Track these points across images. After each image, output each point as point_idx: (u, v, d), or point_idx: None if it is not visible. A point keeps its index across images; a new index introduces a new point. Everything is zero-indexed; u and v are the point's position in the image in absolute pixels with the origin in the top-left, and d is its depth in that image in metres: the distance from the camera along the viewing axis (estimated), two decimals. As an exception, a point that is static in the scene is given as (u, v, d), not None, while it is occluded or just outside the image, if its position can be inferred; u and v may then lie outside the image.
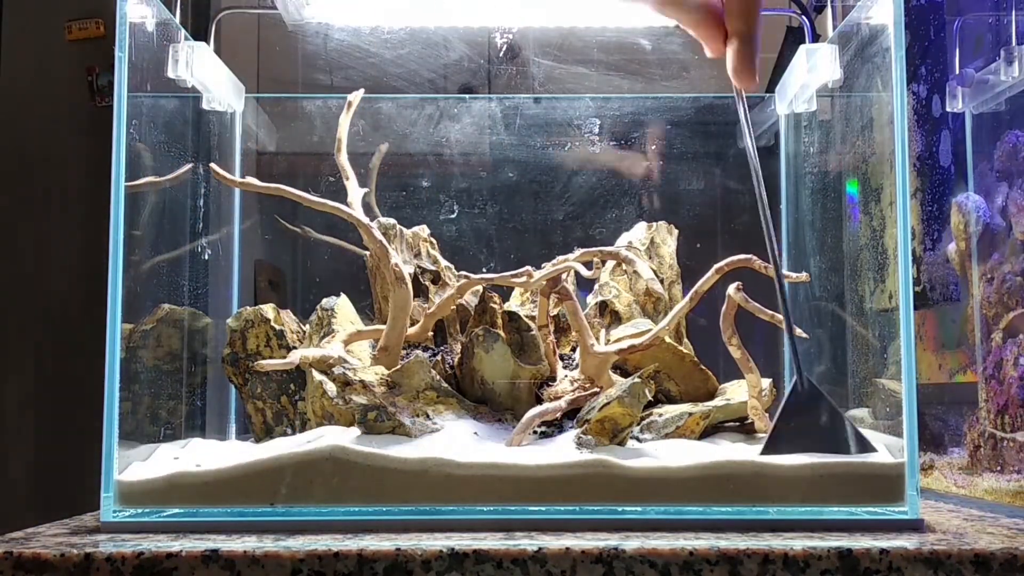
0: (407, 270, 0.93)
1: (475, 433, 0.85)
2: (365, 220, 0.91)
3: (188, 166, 0.97)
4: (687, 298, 0.87)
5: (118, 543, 0.68)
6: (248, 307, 0.99)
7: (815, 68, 0.98)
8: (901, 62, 0.78)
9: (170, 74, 0.92)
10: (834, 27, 1.01)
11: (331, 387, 0.87)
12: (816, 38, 1.08)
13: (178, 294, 0.98)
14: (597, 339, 0.93)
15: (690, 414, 0.87)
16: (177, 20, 0.93)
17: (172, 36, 0.92)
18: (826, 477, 0.76)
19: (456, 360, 0.93)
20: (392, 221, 1.01)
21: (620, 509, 0.75)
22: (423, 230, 1.04)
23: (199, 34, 1.06)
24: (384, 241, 0.91)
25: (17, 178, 1.60)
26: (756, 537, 0.69)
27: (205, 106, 1.03)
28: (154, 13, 0.87)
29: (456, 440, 0.82)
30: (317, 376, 0.89)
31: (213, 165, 0.87)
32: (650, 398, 0.81)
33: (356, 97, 0.97)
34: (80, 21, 1.69)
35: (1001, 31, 0.89)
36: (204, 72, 0.98)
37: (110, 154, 0.76)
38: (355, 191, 0.93)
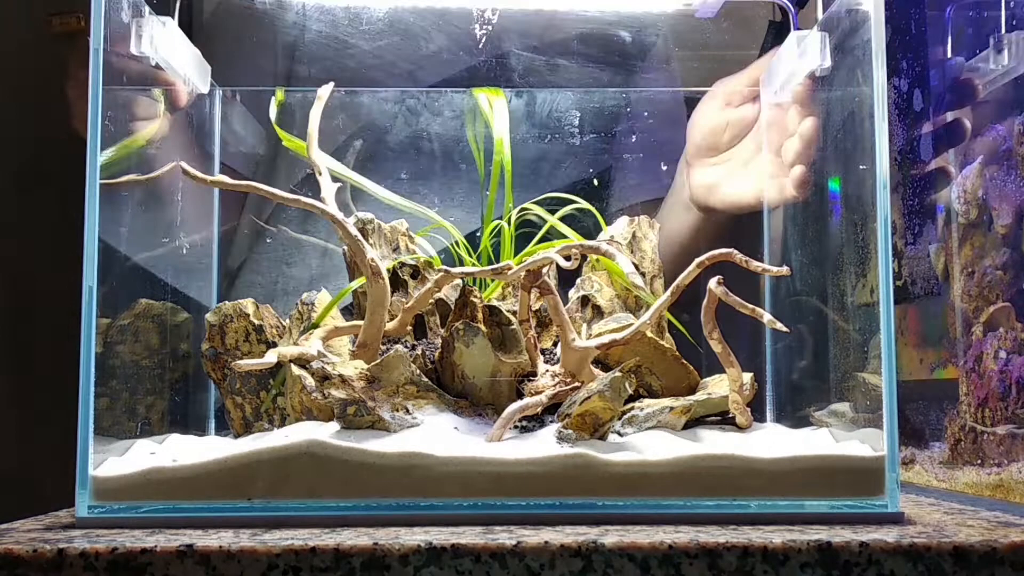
0: (384, 265, 0.92)
1: (455, 428, 0.84)
2: (339, 215, 0.90)
3: (171, 164, 0.95)
4: (668, 292, 0.87)
5: (92, 539, 0.67)
6: (228, 302, 0.98)
7: (804, 55, 0.97)
8: (881, 55, 0.77)
9: (133, 50, 0.88)
10: (820, 15, 1.00)
11: (310, 382, 0.86)
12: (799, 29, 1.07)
13: (156, 288, 0.98)
14: (579, 333, 0.93)
15: (671, 408, 0.87)
16: None
17: (139, 11, 0.89)
18: (807, 470, 0.76)
19: (436, 354, 0.93)
20: (370, 215, 1.00)
21: (600, 503, 0.75)
22: (401, 224, 1.03)
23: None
24: (359, 236, 0.90)
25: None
26: (736, 530, 0.69)
27: None
28: (130, 2, 0.85)
29: (436, 435, 0.82)
30: (296, 371, 0.88)
31: (183, 164, 0.86)
32: (631, 392, 0.81)
33: (326, 90, 0.96)
34: (61, 16, 1.67)
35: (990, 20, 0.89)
36: (168, 49, 0.93)
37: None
38: (328, 186, 0.92)
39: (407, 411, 0.84)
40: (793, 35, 1.01)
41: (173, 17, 0.94)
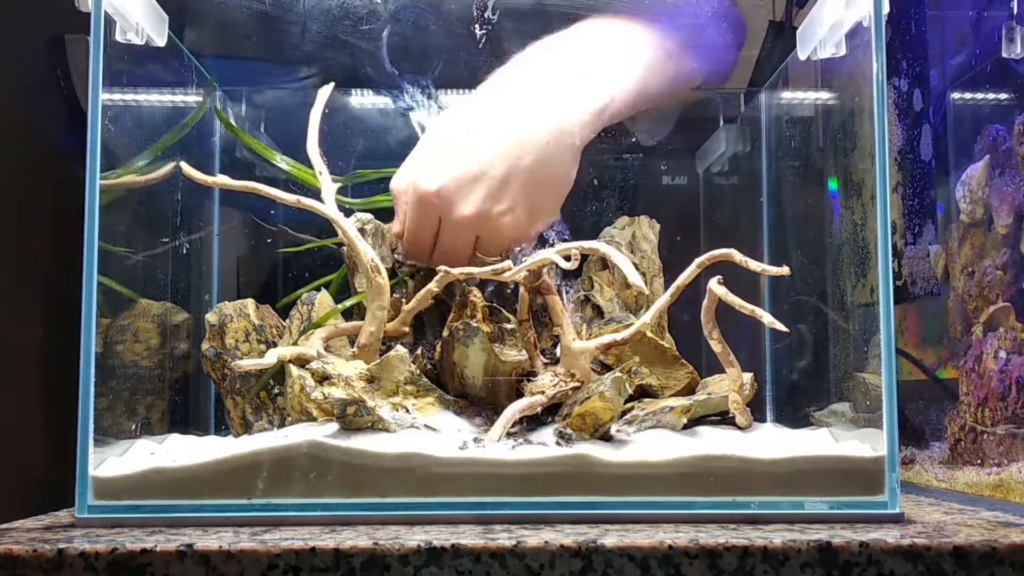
0: (384, 265, 0.92)
1: (455, 428, 0.84)
2: (338, 216, 0.90)
3: (171, 165, 0.95)
4: (668, 292, 0.87)
5: (92, 539, 0.67)
6: (228, 302, 0.98)
7: (853, 1, 0.84)
8: (881, 53, 0.77)
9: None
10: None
11: (310, 382, 0.86)
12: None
13: (156, 288, 0.98)
14: (579, 333, 0.93)
15: (671, 408, 0.87)
16: None
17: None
18: (807, 470, 0.76)
19: (436, 354, 0.93)
20: (369, 216, 1.00)
21: (600, 502, 0.75)
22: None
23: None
24: (358, 236, 0.90)
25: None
26: (736, 530, 0.69)
27: (118, 37, 0.86)
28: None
29: (436, 435, 0.82)
30: (296, 371, 0.88)
31: (183, 164, 0.86)
32: (631, 392, 0.81)
33: (326, 91, 0.96)
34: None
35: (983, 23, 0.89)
36: None
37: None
38: (328, 186, 0.92)
39: (407, 411, 0.84)
40: None
41: None
